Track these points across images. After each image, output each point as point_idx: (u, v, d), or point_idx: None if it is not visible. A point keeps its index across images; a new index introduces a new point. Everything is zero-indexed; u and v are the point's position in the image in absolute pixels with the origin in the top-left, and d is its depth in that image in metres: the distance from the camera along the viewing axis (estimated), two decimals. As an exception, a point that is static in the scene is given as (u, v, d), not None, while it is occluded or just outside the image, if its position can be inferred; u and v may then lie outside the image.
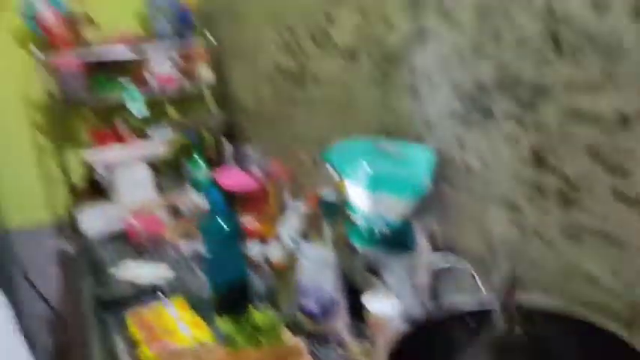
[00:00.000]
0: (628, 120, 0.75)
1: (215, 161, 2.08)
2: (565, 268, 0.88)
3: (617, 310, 0.80)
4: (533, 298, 0.93)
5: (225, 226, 1.17)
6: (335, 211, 1.26)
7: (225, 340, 1.10)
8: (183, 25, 2.37)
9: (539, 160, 0.89)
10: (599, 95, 0.78)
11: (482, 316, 0.70)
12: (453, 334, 0.68)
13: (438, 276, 1.15)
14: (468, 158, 1.05)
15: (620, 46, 0.73)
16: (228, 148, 2.14)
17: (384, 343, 0.67)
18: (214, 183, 1.80)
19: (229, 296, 1.21)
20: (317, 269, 1.11)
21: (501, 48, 0.92)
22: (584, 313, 0.68)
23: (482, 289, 0.73)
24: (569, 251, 0.87)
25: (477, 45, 0.98)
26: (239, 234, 1.23)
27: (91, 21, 2.14)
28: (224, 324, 1.11)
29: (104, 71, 2.24)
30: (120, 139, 2.31)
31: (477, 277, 0.75)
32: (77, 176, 2.39)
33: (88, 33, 2.12)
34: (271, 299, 1.25)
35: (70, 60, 2.08)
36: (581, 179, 0.83)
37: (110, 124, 2.34)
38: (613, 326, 0.80)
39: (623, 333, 0.79)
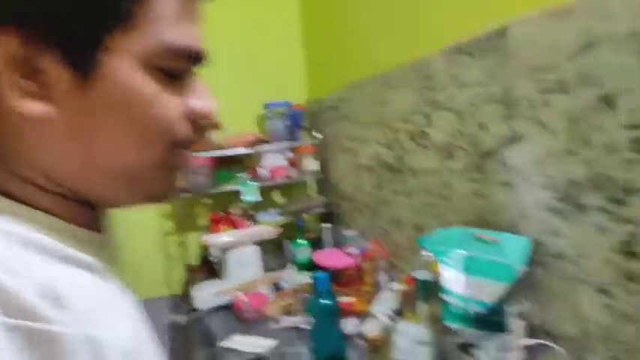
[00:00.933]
0: None
1: (315, 242, 2.24)
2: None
3: None
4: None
5: (328, 303, 1.29)
6: (429, 290, 1.34)
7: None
8: (295, 124, 2.67)
9: (629, 248, 0.94)
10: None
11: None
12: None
13: (531, 358, 1.17)
14: (562, 246, 1.11)
15: None
16: (327, 230, 2.29)
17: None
18: (315, 263, 1.94)
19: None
20: (412, 346, 1.18)
21: (591, 151, 1.01)
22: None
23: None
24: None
25: (568, 148, 1.07)
26: (338, 311, 1.34)
27: (219, 126, 2.48)
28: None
29: (225, 166, 2.56)
30: (233, 223, 2.56)
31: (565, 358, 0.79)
32: (194, 257, 2.65)
33: (215, 135, 2.45)
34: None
35: (199, 159, 2.42)
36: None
37: (226, 210, 2.61)
38: None
39: None
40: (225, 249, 2.18)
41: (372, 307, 1.59)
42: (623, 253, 0.95)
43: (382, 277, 1.79)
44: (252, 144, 2.53)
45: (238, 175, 2.54)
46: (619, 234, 0.96)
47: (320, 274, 1.34)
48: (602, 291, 1.00)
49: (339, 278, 1.85)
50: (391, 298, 1.57)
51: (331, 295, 1.32)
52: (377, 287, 1.77)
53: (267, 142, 2.59)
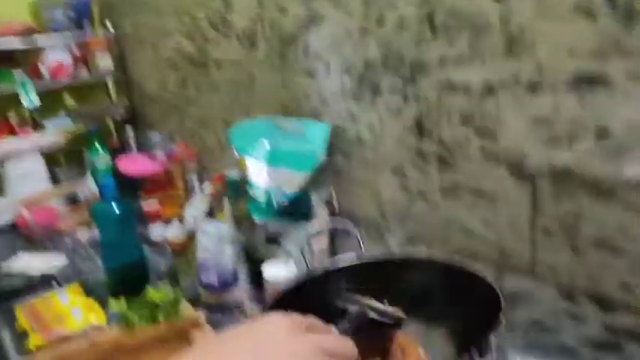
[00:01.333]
0: (493, 88, 0.83)
1: (118, 149, 2.01)
2: (445, 223, 0.95)
3: (490, 256, 0.88)
4: (418, 251, 1.01)
5: (116, 210, 1.14)
6: (238, 188, 1.27)
7: (119, 320, 1.07)
8: (81, 15, 2.27)
9: (420, 128, 0.97)
10: (469, 68, 0.86)
11: (359, 270, 0.75)
12: (331, 286, 0.72)
13: (336, 241, 1.20)
14: (360, 131, 1.11)
15: (486, 23, 0.80)
16: (131, 134, 2.07)
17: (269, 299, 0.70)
18: (115, 170, 1.74)
19: (125, 278, 1.19)
20: (216, 244, 1.12)
21: (385, 30, 0.99)
22: (462, 260, 0.75)
23: (363, 248, 0.78)
24: (447, 208, 0.94)
25: (363, 27, 1.03)
26: (133, 217, 1.22)
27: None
28: (118, 305, 1.08)
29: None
30: (12, 130, 2.17)
31: (359, 238, 0.80)
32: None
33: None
34: (172, 277, 1.24)
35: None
36: (456, 143, 0.91)
37: (2, 116, 2.19)
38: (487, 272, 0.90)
39: (494, 275, 0.88)
40: (3, 160, 1.85)
41: (183, 212, 1.49)
42: (415, 132, 0.97)
43: (193, 180, 1.68)
44: (22, 34, 2.09)
45: (13, 73, 2.11)
46: (411, 114, 0.98)
47: (105, 176, 1.18)
48: (398, 172, 1.03)
49: (147, 184, 1.69)
50: (202, 200, 1.48)
51: (122, 199, 1.17)
52: (189, 191, 1.66)
53: (41, 32, 2.17)
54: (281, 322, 0.41)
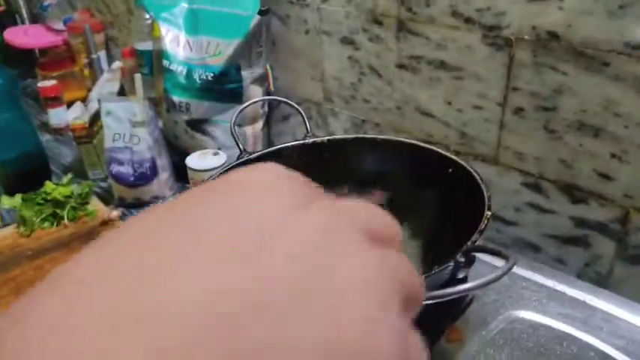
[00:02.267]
0: None
1: (4, 15, 1.68)
2: (399, 104, 0.82)
3: (450, 142, 0.77)
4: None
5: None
6: (151, 63, 1.06)
7: (16, 221, 0.90)
8: None
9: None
10: None
11: (304, 154, 0.61)
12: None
13: (272, 127, 1.05)
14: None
15: None
16: (22, 3, 1.72)
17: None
18: (7, 44, 1.44)
19: (19, 171, 1.00)
20: (128, 129, 0.93)
21: None
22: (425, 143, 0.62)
23: (311, 130, 0.63)
24: (404, 86, 0.80)
25: None
26: (19, 93, 0.99)
27: None
28: (11, 200, 0.90)
29: None
30: None
31: (306, 119, 0.65)
32: None
33: None
34: (78, 169, 1.06)
35: None
36: (421, 2, 0.74)
37: None
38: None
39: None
40: None
41: (88, 94, 1.26)
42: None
43: (99, 56, 1.43)
44: None
45: None
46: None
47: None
48: (347, 41, 0.86)
49: (42, 61, 1.42)
50: (110, 78, 1.25)
51: (3, 69, 0.94)
52: (94, 69, 1.41)
53: None
54: (282, 176, 0.18)
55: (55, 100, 1.23)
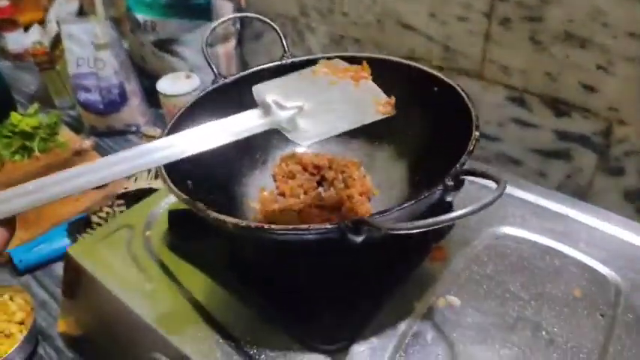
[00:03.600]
0: None
1: None
2: (380, 18, 0.77)
3: (433, 57, 0.74)
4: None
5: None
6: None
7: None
8: None
9: None
10: None
11: (286, 72, 0.58)
12: (249, 96, 0.56)
13: (245, 46, 1.00)
14: None
15: None
16: None
17: (169, 118, 0.52)
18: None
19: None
20: (91, 53, 0.87)
21: None
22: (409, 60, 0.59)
23: (288, 49, 0.59)
24: (383, -3, 0.76)
25: None
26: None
27: None
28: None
29: None
30: None
31: (282, 38, 0.61)
32: None
33: None
34: (43, 98, 1.01)
35: None
36: None
37: None
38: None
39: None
40: None
41: (45, 14, 1.17)
42: None
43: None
44: None
45: None
46: None
47: None
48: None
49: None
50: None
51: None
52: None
53: None
54: None
55: (11, 23, 1.14)
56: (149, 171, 0.75)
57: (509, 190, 0.59)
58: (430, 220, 0.31)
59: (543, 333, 0.44)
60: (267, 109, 0.39)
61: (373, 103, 0.42)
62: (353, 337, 0.44)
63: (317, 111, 0.40)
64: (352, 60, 0.57)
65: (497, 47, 0.67)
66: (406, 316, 0.46)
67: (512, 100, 0.69)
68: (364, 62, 0.45)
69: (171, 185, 0.41)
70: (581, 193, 0.68)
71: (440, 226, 0.31)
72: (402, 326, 0.45)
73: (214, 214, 0.38)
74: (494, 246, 0.52)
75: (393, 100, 0.43)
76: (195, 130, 0.36)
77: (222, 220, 0.38)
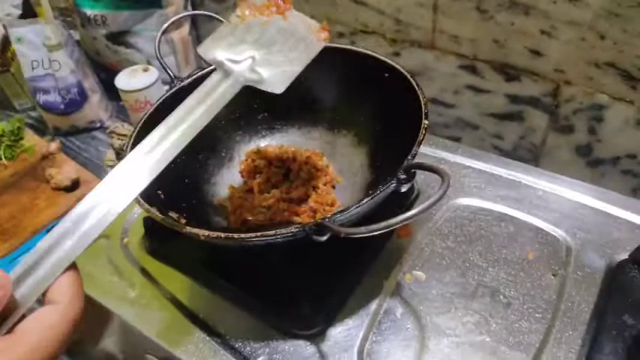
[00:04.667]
0: None
1: None
2: (330, -5, 0.78)
3: (385, 31, 0.75)
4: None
5: None
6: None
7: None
8: None
9: None
10: None
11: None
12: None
13: (200, 28, 0.99)
14: None
15: None
16: None
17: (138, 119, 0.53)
18: None
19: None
20: (43, 54, 0.86)
21: None
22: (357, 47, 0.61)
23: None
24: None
25: None
26: None
27: None
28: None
29: None
30: None
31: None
32: None
33: None
34: (2, 102, 0.99)
35: None
36: None
37: None
38: (382, 50, 0.78)
39: (391, 53, 0.77)
40: None
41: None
42: None
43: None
44: None
45: None
46: None
47: None
48: None
49: None
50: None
51: None
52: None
53: None
54: None
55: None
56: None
57: (466, 161, 0.62)
58: (383, 224, 0.34)
59: (501, 297, 0.48)
60: (223, 69, 0.41)
61: (310, 33, 0.45)
62: (329, 320, 0.48)
63: (269, 55, 0.42)
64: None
65: (445, 18, 0.69)
66: (376, 295, 0.50)
67: (465, 68, 0.71)
68: None
69: (145, 204, 0.42)
70: (536, 152, 0.72)
71: (392, 228, 0.34)
72: (374, 305, 0.49)
73: (188, 229, 0.40)
74: (453, 218, 0.56)
75: (326, 25, 0.46)
76: (170, 119, 0.38)
77: (196, 234, 0.40)
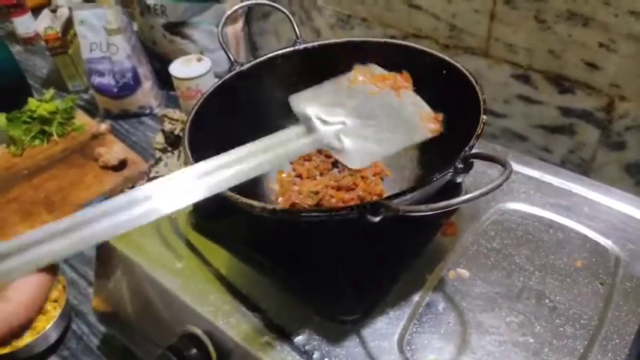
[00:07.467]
0: None
1: None
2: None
3: (439, 35, 0.76)
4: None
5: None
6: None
7: (5, 141, 0.89)
8: None
9: None
10: None
11: (300, 60, 0.60)
12: (264, 82, 0.59)
13: (253, 26, 1.01)
14: None
15: None
16: None
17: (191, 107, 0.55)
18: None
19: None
20: (103, 38, 0.89)
21: None
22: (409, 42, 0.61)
23: (300, 35, 0.61)
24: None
25: None
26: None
27: None
28: (-3, 122, 0.89)
29: None
30: None
31: (293, 21, 0.62)
32: None
33: None
34: (57, 82, 1.03)
35: None
36: None
37: None
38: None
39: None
40: None
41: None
42: None
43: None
44: None
45: None
46: None
47: None
48: None
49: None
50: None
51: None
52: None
53: None
54: None
55: (17, 7, 1.15)
56: (179, 156, 0.78)
57: (515, 167, 0.61)
58: (443, 203, 0.34)
59: (547, 301, 0.48)
60: (309, 125, 0.37)
61: (420, 119, 0.40)
62: (370, 308, 0.48)
63: (361, 127, 0.38)
64: (364, 45, 0.59)
65: (502, 26, 0.69)
66: (419, 288, 0.49)
67: (518, 77, 0.71)
68: (404, 72, 0.44)
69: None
70: (584, 167, 0.71)
71: (451, 208, 0.34)
72: (416, 298, 0.49)
73: (243, 200, 0.41)
74: (500, 221, 0.55)
75: (440, 115, 0.42)
76: (236, 152, 0.34)
77: (250, 205, 0.41)
